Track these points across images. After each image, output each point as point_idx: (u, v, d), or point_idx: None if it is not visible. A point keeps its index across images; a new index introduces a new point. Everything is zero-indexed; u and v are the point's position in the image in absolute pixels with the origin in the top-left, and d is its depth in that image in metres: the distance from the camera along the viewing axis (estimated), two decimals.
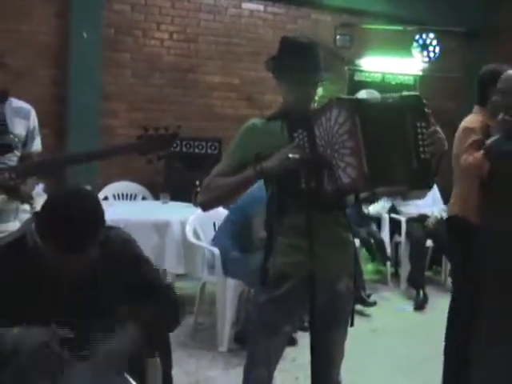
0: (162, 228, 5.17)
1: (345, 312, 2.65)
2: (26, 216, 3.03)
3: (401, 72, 8.65)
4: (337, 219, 2.59)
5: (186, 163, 6.43)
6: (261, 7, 7.84)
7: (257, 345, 2.65)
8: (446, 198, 7.24)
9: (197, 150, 6.68)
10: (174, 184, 6.35)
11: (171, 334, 2.56)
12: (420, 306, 6.27)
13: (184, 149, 6.61)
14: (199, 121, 7.26)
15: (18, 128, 3.12)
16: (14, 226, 3.03)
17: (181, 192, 6.05)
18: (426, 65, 8.40)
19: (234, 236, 4.82)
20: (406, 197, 2.76)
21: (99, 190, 6.21)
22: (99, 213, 2.14)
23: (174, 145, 3.04)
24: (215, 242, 4.95)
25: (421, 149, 2.32)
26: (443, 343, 3.86)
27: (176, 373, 2.86)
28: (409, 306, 6.33)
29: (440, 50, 8.15)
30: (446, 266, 7.14)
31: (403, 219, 6.91)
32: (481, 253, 3.45)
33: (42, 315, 2.15)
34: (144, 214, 5.49)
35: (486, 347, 3.40)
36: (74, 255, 2.08)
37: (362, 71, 8.42)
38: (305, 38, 2.59)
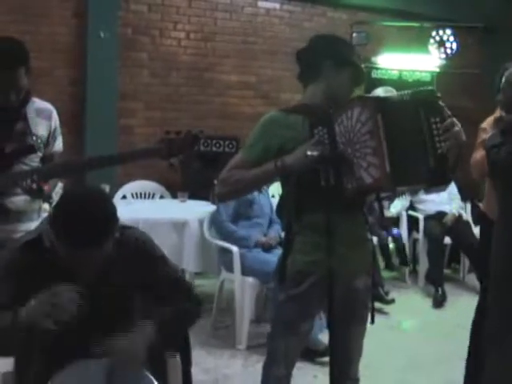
0: (180, 227, 5.20)
1: (363, 309, 2.65)
2: (46, 215, 3.06)
3: (418, 69, 8.60)
4: (355, 217, 2.59)
5: (203, 162, 6.44)
6: (277, 5, 7.85)
7: (276, 343, 2.65)
8: (466, 195, 7.25)
9: (214, 149, 6.68)
10: (192, 182, 6.38)
11: (190, 332, 2.58)
12: (439, 303, 6.24)
13: (201, 147, 6.62)
14: (216, 119, 7.29)
15: (41, 129, 3.11)
16: (36, 225, 3.05)
17: (198, 190, 6.07)
18: (443, 61, 8.36)
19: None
20: (426, 191, 2.77)
21: (118, 188, 6.25)
22: (111, 208, 2.18)
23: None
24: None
25: (437, 144, 2.30)
26: (462, 342, 3.84)
27: (195, 370, 2.90)
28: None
29: (457, 47, 8.10)
30: (465, 263, 7.12)
31: (421, 216, 6.89)
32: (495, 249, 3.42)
33: None
34: (162, 213, 5.52)
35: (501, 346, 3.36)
36: (88, 250, 2.09)
37: (378, 69, 8.38)
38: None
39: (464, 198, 7.28)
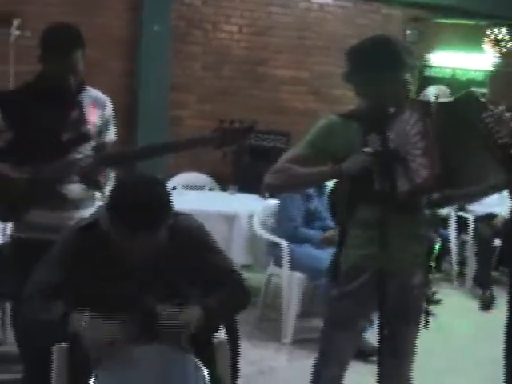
0: (230, 220, 5.24)
1: (416, 308, 2.61)
2: (99, 203, 3.10)
3: (471, 68, 8.49)
4: (411, 214, 2.55)
5: (253, 155, 6.46)
6: (329, 1, 7.83)
7: (329, 342, 2.62)
8: None
9: (265, 143, 6.65)
10: (242, 176, 6.41)
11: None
12: (486, 306, 6.15)
13: (252, 141, 6.63)
14: (267, 114, 7.29)
15: (95, 117, 3.14)
16: (91, 212, 3.11)
17: (248, 184, 6.09)
18: (498, 60, 8.23)
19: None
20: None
21: (168, 179, 6.31)
22: (165, 194, 2.24)
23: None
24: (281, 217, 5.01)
25: (496, 135, 2.29)
26: None
27: (241, 362, 2.92)
28: None
29: None
30: None
31: (471, 218, 6.79)
32: None
33: (111, 298, 2.23)
34: (213, 205, 5.57)
35: None
36: (142, 235, 2.14)
37: (431, 67, 8.29)
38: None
39: None
